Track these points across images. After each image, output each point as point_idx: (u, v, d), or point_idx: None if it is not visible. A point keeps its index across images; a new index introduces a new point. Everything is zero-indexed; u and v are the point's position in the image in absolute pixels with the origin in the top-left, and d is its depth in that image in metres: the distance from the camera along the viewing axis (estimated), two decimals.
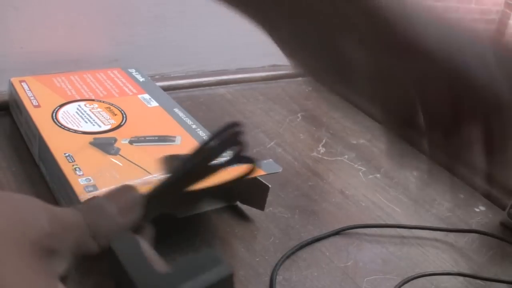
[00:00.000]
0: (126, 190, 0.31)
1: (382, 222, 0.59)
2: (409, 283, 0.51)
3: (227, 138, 0.30)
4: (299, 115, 0.79)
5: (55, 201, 0.51)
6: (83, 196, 0.45)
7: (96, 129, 0.56)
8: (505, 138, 0.31)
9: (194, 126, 0.60)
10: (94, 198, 0.30)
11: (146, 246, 0.28)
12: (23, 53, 0.68)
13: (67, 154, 0.51)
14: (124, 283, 0.26)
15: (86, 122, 0.57)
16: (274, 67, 0.90)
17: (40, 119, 0.56)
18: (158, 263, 0.27)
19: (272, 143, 0.70)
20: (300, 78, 0.92)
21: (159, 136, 0.57)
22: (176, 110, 0.63)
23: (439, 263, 0.55)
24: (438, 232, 0.59)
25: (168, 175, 0.31)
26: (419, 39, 0.30)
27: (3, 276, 0.22)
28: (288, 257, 0.51)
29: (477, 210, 0.66)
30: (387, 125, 0.33)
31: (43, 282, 0.24)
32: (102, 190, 0.46)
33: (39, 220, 0.25)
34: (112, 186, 0.46)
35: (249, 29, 0.34)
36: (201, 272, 0.25)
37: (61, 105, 0.59)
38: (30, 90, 0.61)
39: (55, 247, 0.25)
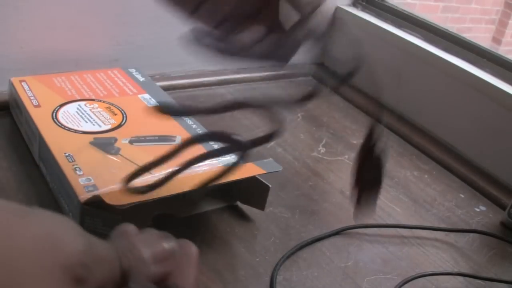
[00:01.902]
0: (164, 240, 0.31)
1: (382, 222, 0.59)
2: (409, 283, 0.51)
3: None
4: (299, 115, 0.79)
5: (55, 201, 0.51)
6: (83, 196, 0.45)
7: (96, 128, 0.56)
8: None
9: (194, 126, 0.60)
10: (133, 238, 0.30)
11: None
12: (23, 53, 0.68)
13: (67, 154, 0.51)
14: None
15: (86, 122, 0.57)
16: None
17: (40, 119, 0.56)
18: None
19: (272, 143, 0.70)
20: (300, 78, 0.92)
21: (159, 136, 0.57)
22: None
23: (439, 263, 0.55)
24: (438, 232, 0.59)
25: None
26: None
27: None
28: (288, 257, 0.51)
29: (477, 210, 0.65)
30: None
31: None
32: (102, 190, 0.46)
33: (74, 248, 0.24)
34: (112, 186, 0.47)
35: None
36: None
37: (61, 105, 0.59)
38: (30, 90, 0.61)
39: (84, 277, 0.24)
